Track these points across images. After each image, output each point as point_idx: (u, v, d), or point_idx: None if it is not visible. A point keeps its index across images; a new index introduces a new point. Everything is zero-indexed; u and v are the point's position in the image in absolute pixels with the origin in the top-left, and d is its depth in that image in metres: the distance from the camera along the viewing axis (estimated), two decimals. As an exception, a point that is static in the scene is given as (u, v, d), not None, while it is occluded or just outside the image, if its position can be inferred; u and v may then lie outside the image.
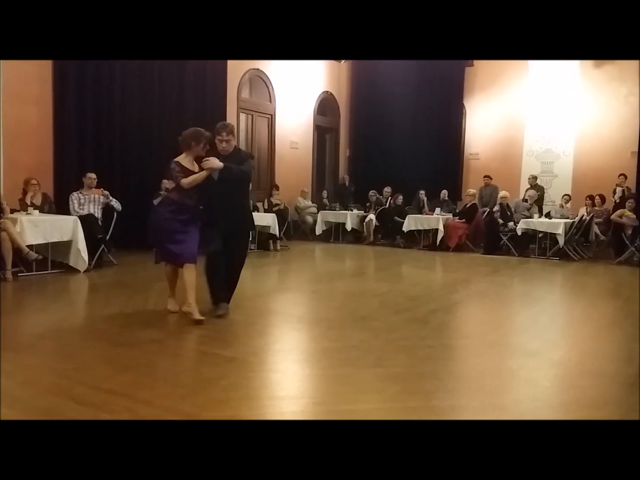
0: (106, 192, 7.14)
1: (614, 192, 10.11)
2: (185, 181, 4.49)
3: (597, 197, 9.90)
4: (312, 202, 11.84)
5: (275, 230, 9.39)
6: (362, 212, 11.41)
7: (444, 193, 11.36)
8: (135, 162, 8.58)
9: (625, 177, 10.22)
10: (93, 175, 7.07)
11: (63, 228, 6.28)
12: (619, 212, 9.01)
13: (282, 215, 9.99)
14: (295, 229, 11.41)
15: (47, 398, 2.73)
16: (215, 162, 4.49)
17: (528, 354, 3.76)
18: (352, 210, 11.38)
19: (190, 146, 4.51)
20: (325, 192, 12.09)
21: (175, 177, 4.54)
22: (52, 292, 5.59)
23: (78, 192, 6.98)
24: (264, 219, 9.35)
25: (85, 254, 6.35)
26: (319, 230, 11.21)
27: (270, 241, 9.51)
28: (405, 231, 10.47)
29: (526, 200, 10.10)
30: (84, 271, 6.35)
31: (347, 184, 12.60)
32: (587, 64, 11.07)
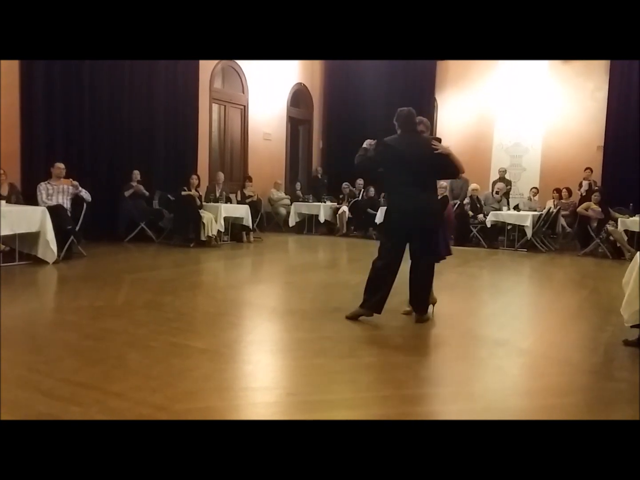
0: (75, 183, 7.00)
1: (580, 185, 10.35)
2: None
3: (564, 190, 10.12)
4: (286, 194, 11.81)
5: (248, 221, 9.34)
6: (335, 204, 11.44)
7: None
8: (105, 152, 8.44)
9: (591, 171, 10.47)
10: (62, 165, 6.92)
11: (31, 219, 6.13)
12: (585, 204, 9.23)
13: (255, 207, 9.94)
14: (269, 220, 11.38)
15: (15, 392, 2.67)
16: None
17: (497, 343, 3.84)
18: (325, 202, 11.40)
19: None
20: (298, 183, 12.08)
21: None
22: (20, 284, 5.47)
23: (46, 182, 6.82)
24: (237, 210, 9.30)
25: (54, 246, 6.21)
26: (292, 222, 11.19)
27: (244, 233, 9.46)
28: (377, 223, 10.53)
29: (497, 193, 10.26)
30: (53, 263, 6.22)
31: (319, 175, 12.60)
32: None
